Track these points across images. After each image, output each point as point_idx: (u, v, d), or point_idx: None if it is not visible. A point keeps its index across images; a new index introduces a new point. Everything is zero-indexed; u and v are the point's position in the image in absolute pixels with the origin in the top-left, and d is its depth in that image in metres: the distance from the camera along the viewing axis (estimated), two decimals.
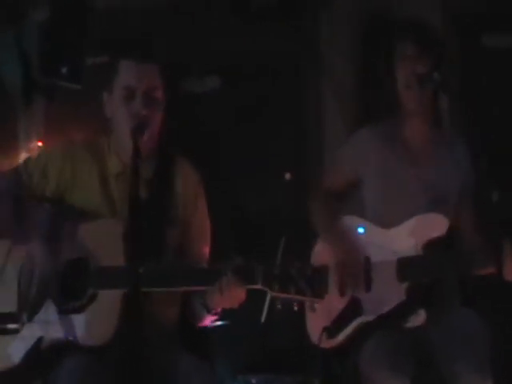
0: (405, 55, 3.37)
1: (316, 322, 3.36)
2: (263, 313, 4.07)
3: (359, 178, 3.49)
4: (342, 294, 3.32)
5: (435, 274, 3.21)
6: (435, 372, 3.10)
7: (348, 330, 3.26)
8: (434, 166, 3.40)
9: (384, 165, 3.41)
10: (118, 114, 3.00)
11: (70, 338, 2.84)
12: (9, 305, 2.93)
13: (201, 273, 2.90)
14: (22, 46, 4.69)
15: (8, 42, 4.68)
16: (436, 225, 3.27)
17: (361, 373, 3.10)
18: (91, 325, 2.83)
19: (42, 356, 2.87)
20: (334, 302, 3.32)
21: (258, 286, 2.74)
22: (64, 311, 2.88)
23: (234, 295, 2.78)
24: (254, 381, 4.11)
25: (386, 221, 3.35)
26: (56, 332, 2.86)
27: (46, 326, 2.88)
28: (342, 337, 3.26)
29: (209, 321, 3.01)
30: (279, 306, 2.78)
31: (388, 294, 3.21)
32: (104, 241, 2.91)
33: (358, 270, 3.29)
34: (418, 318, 3.16)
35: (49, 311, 2.90)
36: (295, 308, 2.75)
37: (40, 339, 2.87)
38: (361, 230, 3.36)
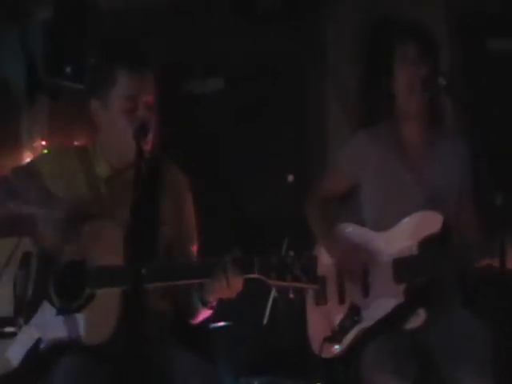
0: (406, 57, 3.37)
1: (317, 332, 3.38)
2: (265, 315, 4.10)
3: (357, 182, 3.49)
4: (340, 301, 3.33)
5: (431, 272, 3.19)
6: (436, 375, 3.10)
7: (348, 338, 3.26)
8: (433, 166, 3.40)
9: (382, 167, 3.42)
10: (117, 123, 2.99)
11: (69, 339, 2.84)
12: (5, 308, 2.94)
13: (200, 265, 2.93)
14: (26, 46, 4.70)
15: (12, 41, 4.69)
16: (429, 222, 3.25)
17: (362, 376, 3.10)
18: (89, 325, 2.82)
19: (40, 358, 2.87)
20: (334, 310, 3.34)
21: (255, 276, 2.77)
22: (62, 312, 2.88)
23: (232, 284, 2.79)
24: (255, 383, 4.11)
25: (384, 223, 3.35)
26: (54, 333, 2.86)
27: (44, 327, 2.88)
28: (343, 346, 3.26)
29: (203, 316, 3.01)
30: (275, 294, 2.82)
31: (386, 297, 3.22)
32: (103, 242, 2.91)
33: (355, 276, 3.30)
34: (418, 319, 3.15)
35: (45, 313, 2.90)
36: (291, 295, 2.76)
37: (38, 341, 2.87)
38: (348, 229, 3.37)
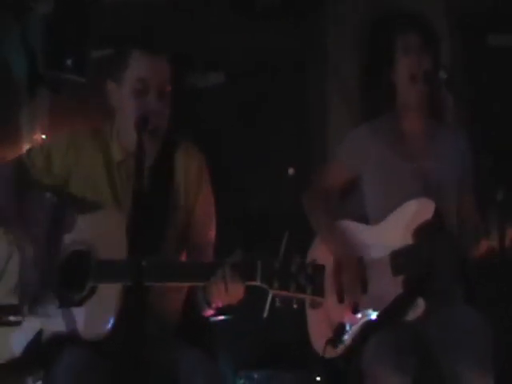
0: (408, 48, 3.36)
1: (318, 332, 3.37)
2: (265, 308, 4.08)
3: (358, 175, 3.48)
4: (340, 300, 3.33)
5: (429, 260, 3.18)
6: (437, 369, 3.09)
7: (350, 336, 3.24)
8: (433, 159, 3.39)
9: (382, 159, 3.41)
10: (126, 105, 2.99)
11: (69, 333, 2.83)
12: (10, 297, 2.93)
13: (200, 268, 2.86)
14: (27, 39, 4.69)
15: (13, 35, 4.68)
16: (422, 210, 3.23)
17: (363, 370, 3.09)
18: (90, 318, 2.82)
19: (42, 348, 2.87)
20: (333, 309, 3.32)
21: (257, 283, 2.69)
22: (64, 304, 2.87)
23: (231, 291, 2.73)
24: (255, 376, 4.11)
25: (385, 216, 3.34)
26: (56, 325, 2.86)
27: (46, 318, 2.88)
28: (345, 344, 3.25)
29: (210, 313, 2.98)
30: (279, 304, 2.73)
31: (386, 290, 3.21)
32: (107, 232, 2.89)
33: (353, 273, 3.29)
34: (418, 310, 3.14)
35: (49, 304, 2.89)
36: (295, 306, 2.70)
37: (40, 332, 2.87)
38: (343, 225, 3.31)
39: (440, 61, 3.40)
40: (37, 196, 3.04)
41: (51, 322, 2.87)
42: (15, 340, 2.88)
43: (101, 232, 2.90)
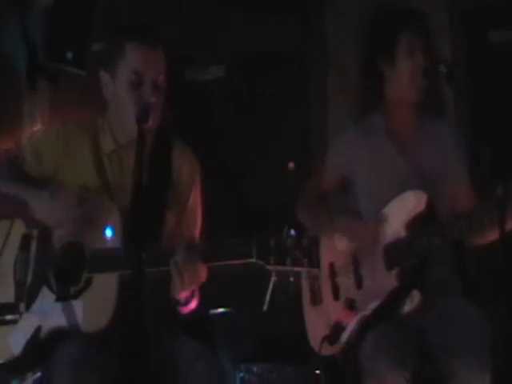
0: (412, 49, 3.35)
1: (316, 331, 3.38)
2: (265, 301, 4.09)
3: (350, 176, 3.49)
4: (335, 298, 3.33)
5: (421, 252, 3.17)
6: (436, 364, 3.09)
7: (347, 333, 3.25)
8: (426, 153, 3.39)
9: (373, 157, 3.42)
10: (122, 98, 2.98)
11: (68, 326, 2.83)
12: (6, 296, 2.93)
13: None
14: (28, 31, 4.68)
15: (13, 26, 4.67)
16: (414, 202, 3.23)
17: (361, 365, 3.09)
18: (87, 312, 2.82)
19: (41, 345, 2.86)
20: (329, 307, 3.34)
21: (253, 260, 2.69)
22: (61, 298, 2.87)
23: (186, 274, 2.73)
24: (255, 369, 4.11)
25: (379, 211, 3.33)
26: (54, 320, 2.86)
27: (44, 315, 2.87)
28: (342, 341, 3.26)
29: (187, 310, 2.98)
30: (275, 278, 2.74)
31: (380, 284, 3.21)
32: (99, 222, 2.89)
33: (347, 270, 3.30)
34: (413, 302, 3.14)
35: (46, 299, 2.89)
36: (291, 279, 2.72)
37: (39, 328, 2.87)
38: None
39: (440, 56, 3.39)
40: (29, 187, 3.02)
41: (50, 317, 2.86)
42: (13, 338, 2.88)
43: (93, 222, 2.89)
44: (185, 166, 3.11)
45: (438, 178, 3.35)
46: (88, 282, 2.84)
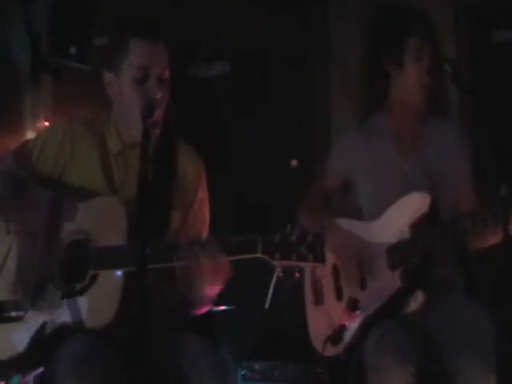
0: (420, 54, 3.34)
1: (318, 331, 3.36)
2: (268, 299, 4.09)
3: (352, 177, 3.49)
4: (338, 298, 3.33)
5: (425, 252, 3.17)
6: (440, 360, 3.09)
7: (350, 333, 3.24)
8: (426, 154, 3.38)
9: (375, 158, 3.42)
10: (127, 95, 2.96)
11: (73, 323, 2.82)
12: (11, 293, 2.92)
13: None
14: (32, 26, 4.68)
15: (17, 21, 4.67)
16: (417, 203, 3.22)
17: (365, 362, 3.08)
18: (92, 308, 2.81)
19: (46, 341, 2.85)
20: (332, 308, 3.33)
21: (258, 255, 2.67)
22: (66, 295, 2.86)
23: (211, 266, 2.71)
24: (257, 367, 4.12)
25: (381, 211, 3.33)
26: (59, 316, 2.85)
27: (49, 311, 2.86)
28: (345, 341, 3.25)
29: (204, 310, 2.98)
30: (280, 274, 2.73)
31: (384, 285, 3.21)
32: (105, 220, 2.88)
33: (351, 271, 3.29)
34: (417, 301, 3.14)
35: (51, 296, 2.88)
36: (297, 275, 2.71)
37: (44, 325, 2.86)
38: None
39: (443, 55, 3.39)
40: (36, 186, 3.02)
41: (55, 314, 2.85)
42: (18, 335, 2.87)
43: (99, 220, 2.89)
44: (190, 166, 3.09)
45: (440, 178, 3.34)
46: (93, 279, 2.84)
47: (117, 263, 2.81)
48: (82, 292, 2.84)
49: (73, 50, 4.62)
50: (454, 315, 3.12)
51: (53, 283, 2.89)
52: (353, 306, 3.23)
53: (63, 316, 2.84)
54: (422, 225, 3.20)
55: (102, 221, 2.88)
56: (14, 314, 2.89)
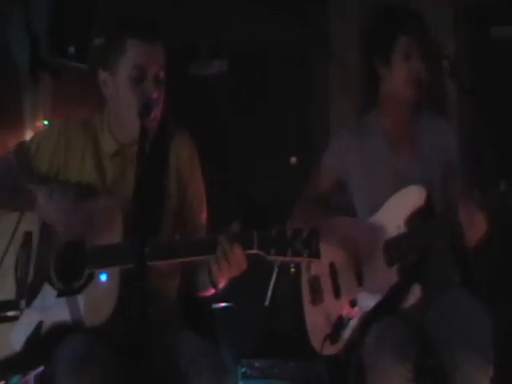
0: (409, 53, 3.35)
1: (316, 330, 3.37)
2: (267, 296, 4.09)
3: (344, 180, 3.50)
4: (336, 296, 3.33)
5: (421, 247, 3.18)
6: (438, 357, 3.09)
7: (348, 331, 3.25)
8: (418, 152, 3.39)
9: (368, 159, 3.42)
10: (123, 94, 2.96)
11: (70, 321, 2.83)
12: (7, 292, 2.92)
13: (201, 242, 2.86)
14: (30, 25, 4.68)
15: (17, 21, 4.67)
16: (413, 197, 3.23)
17: (364, 360, 3.08)
18: (89, 306, 2.81)
19: (42, 341, 2.85)
20: (330, 306, 3.34)
21: (254, 251, 2.70)
22: (62, 293, 2.87)
23: (233, 263, 2.72)
24: (257, 364, 4.12)
25: (376, 208, 3.34)
26: (55, 316, 2.85)
27: (45, 310, 2.87)
28: (344, 339, 3.25)
29: (208, 293, 2.99)
30: (277, 269, 2.73)
31: (381, 281, 3.21)
32: (100, 219, 2.88)
33: (348, 268, 3.30)
34: (414, 296, 3.15)
35: (47, 295, 2.89)
36: (292, 270, 2.72)
37: (40, 324, 2.86)
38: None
39: (441, 52, 3.39)
40: (33, 186, 3.01)
41: (51, 312, 2.86)
42: (15, 335, 2.87)
43: (95, 219, 2.89)
44: (183, 150, 3.09)
45: (433, 176, 3.35)
46: (90, 277, 2.84)
47: (114, 261, 2.81)
48: (78, 290, 2.84)
49: (72, 49, 4.62)
50: (452, 310, 3.13)
51: (49, 282, 2.90)
52: (351, 303, 3.24)
53: (60, 314, 2.85)
54: (418, 219, 3.20)
55: (98, 220, 2.88)
56: (9, 313, 2.89)
